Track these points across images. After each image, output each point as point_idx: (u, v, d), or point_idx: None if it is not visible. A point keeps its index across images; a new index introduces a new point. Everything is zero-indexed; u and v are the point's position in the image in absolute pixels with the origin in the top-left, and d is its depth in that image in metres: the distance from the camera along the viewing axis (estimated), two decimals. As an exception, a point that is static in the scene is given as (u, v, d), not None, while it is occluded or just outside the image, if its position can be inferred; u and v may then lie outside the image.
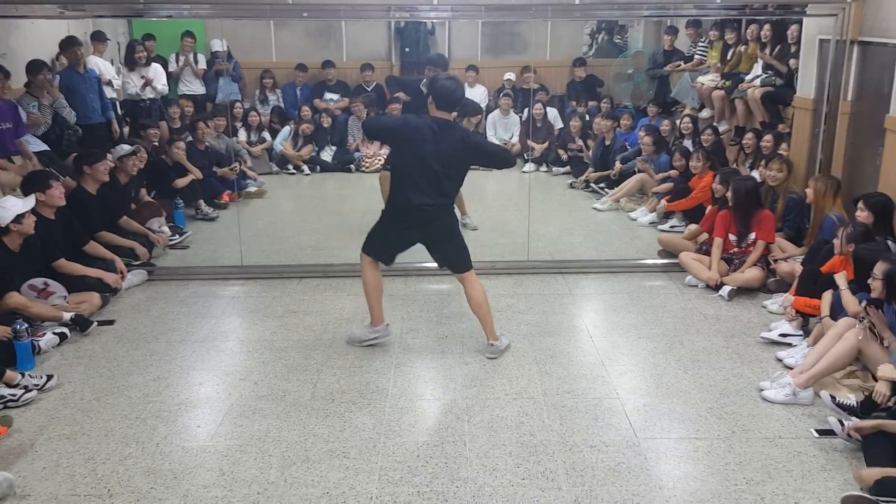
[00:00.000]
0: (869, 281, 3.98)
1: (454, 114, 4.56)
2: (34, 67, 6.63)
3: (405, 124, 4.37)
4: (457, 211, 6.15)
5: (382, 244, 4.57)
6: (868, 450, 3.31)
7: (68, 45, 7.32)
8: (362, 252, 4.60)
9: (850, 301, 4.28)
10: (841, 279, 4.44)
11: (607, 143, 8.78)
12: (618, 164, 8.42)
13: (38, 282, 4.90)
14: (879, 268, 3.90)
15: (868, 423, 3.38)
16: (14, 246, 4.77)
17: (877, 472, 3.12)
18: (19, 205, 4.76)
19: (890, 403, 3.59)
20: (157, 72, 8.86)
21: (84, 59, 7.43)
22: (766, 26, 7.63)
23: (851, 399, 3.83)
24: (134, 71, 8.65)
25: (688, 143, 8.12)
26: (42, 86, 6.62)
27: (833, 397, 3.81)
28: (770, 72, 7.49)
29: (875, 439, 3.29)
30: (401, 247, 4.61)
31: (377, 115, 4.14)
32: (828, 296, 4.46)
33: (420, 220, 4.37)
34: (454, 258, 4.52)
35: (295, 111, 10.25)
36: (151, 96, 8.75)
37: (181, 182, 7.58)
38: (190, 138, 8.44)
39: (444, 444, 3.60)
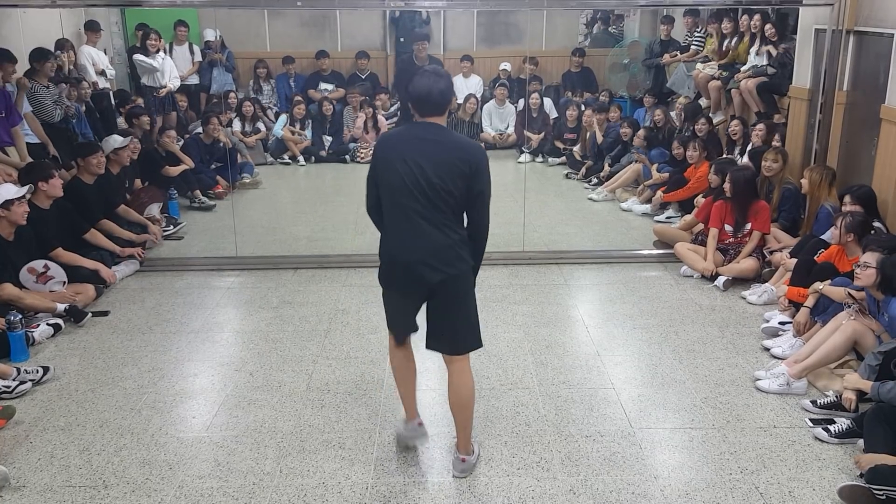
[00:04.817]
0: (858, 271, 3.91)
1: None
2: (40, 55, 6.53)
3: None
4: None
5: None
6: (868, 436, 3.32)
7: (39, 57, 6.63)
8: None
9: (835, 290, 4.28)
10: (810, 299, 4.41)
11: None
12: (607, 167, 8.42)
13: (38, 264, 4.89)
14: (872, 257, 3.88)
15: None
16: (6, 234, 4.74)
17: (874, 458, 3.13)
18: (12, 191, 4.71)
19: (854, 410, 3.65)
20: (169, 64, 8.82)
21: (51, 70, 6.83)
22: (757, 16, 7.61)
23: (830, 395, 3.85)
24: (152, 57, 8.58)
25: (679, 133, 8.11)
26: (47, 74, 6.53)
27: (815, 402, 3.81)
28: (767, 61, 7.46)
29: (875, 426, 3.30)
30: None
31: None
32: (816, 287, 4.46)
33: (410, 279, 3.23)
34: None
35: (287, 104, 10.21)
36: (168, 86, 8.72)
37: (173, 170, 7.55)
38: (200, 130, 8.40)
39: (440, 434, 3.60)
